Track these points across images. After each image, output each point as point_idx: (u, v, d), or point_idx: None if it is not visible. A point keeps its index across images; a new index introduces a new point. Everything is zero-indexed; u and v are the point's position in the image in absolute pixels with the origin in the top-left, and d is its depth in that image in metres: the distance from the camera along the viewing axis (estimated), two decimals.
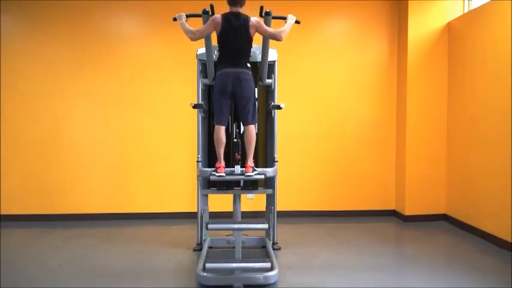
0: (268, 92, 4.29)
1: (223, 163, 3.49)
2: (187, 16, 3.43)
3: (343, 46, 5.55)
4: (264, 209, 4.49)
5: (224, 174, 3.44)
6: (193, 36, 3.36)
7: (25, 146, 5.34)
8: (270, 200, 4.25)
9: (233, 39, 3.36)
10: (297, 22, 3.54)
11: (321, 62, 5.53)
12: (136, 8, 5.38)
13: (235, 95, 3.41)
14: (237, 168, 3.48)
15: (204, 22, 3.47)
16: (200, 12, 3.42)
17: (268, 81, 4.11)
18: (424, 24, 5.25)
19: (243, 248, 3.61)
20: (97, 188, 5.41)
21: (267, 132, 4.31)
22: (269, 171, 3.73)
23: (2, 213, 5.31)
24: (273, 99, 4.15)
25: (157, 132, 5.43)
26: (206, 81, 4.05)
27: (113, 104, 5.41)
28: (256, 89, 4.21)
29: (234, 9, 3.38)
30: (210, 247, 4.15)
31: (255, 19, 3.38)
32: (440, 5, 5.25)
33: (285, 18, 3.51)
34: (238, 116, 3.62)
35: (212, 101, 3.51)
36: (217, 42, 3.46)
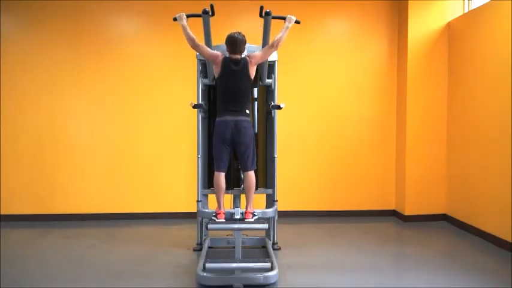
0: (268, 92, 4.29)
1: (223, 209, 3.52)
2: (188, 16, 3.43)
3: (343, 46, 5.55)
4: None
5: (224, 221, 3.47)
6: (193, 45, 3.41)
7: (25, 145, 5.34)
8: (270, 200, 4.25)
9: (233, 84, 3.42)
10: (297, 22, 3.55)
11: (321, 62, 5.53)
12: (136, 8, 5.38)
13: (234, 142, 3.46)
14: (237, 211, 3.54)
15: (204, 22, 3.48)
16: (200, 12, 3.42)
17: (268, 81, 4.12)
18: (424, 24, 5.25)
19: (243, 248, 3.61)
20: (97, 188, 5.41)
21: (267, 132, 4.31)
22: (269, 212, 3.81)
23: (2, 213, 5.31)
24: (273, 99, 4.15)
25: (157, 132, 5.43)
26: (206, 81, 4.05)
27: (112, 104, 5.41)
28: (256, 89, 4.23)
29: (234, 56, 3.43)
30: (210, 247, 4.15)
31: (251, 56, 3.45)
32: (440, 5, 5.25)
33: (284, 18, 3.51)
34: (238, 162, 3.66)
35: (212, 146, 3.57)
36: (216, 85, 3.54)
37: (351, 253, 4.13)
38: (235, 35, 3.41)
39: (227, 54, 3.46)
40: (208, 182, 4.19)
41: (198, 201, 4.03)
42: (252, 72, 3.46)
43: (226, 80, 3.42)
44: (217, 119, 3.49)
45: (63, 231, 4.95)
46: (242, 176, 3.69)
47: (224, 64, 3.41)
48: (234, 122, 3.41)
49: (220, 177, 3.49)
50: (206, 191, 4.16)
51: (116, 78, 5.40)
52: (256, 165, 3.61)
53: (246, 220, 3.46)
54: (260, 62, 3.54)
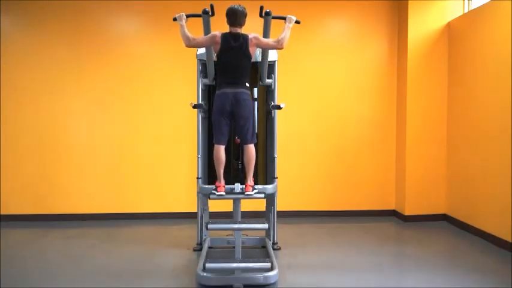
0: (268, 92, 4.29)
1: (223, 182, 3.52)
2: (187, 16, 3.43)
3: (343, 46, 5.55)
4: (264, 209, 4.49)
5: (224, 193, 3.47)
6: (189, 44, 3.39)
7: (25, 145, 5.34)
8: (270, 200, 4.25)
9: (232, 59, 3.39)
10: (297, 22, 3.54)
11: (321, 62, 5.53)
12: (136, 8, 5.38)
13: (234, 115, 3.44)
14: (237, 186, 3.53)
15: (204, 22, 3.48)
16: (200, 13, 3.42)
17: (268, 81, 4.12)
18: (424, 24, 5.25)
19: (243, 248, 3.61)
20: (97, 188, 5.41)
21: (267, 132, 4.31)
22: (269, 188, 3.79)
23: (2, 213, 5.31)
24: (273, 99, 4.15)
25: (157, 132, 5.43)
26: (206, 81, 4.06)
27: (112, 104, 5.41)
28: (256, 89, 4.22)
29: (234, 30, 3.40)
30: (210, 247, 4.15)
31: (253, 36, 3.40)
32: (440, 5, 5.25)
33: (284, 18, 3.51)
34: (238, 135, 3.64)
35: (211, 120, 3.55)
36: (216, 61, 3.51)
37: (351, 253, 4.13)
38: (236, 6, 3.38)
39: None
40: (209, 182, 4.19)
41: (198, 178, 4.01)
42: (252, 51, 3.41)
43: (226, 55, 3.38)
44: (217, 92, 3.47)
45: (63, 231, 4.95)
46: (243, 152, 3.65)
47: (224, 40, 3.37)
48: (233, 94, 3.39)
49: (220, 150, 3.47)
50: None
51: (116, 78, 5.39)
52: (257, 138, 3.58)
53: (246, 193, 3.46)
54: (260, 47, 3.49)
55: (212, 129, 3.54)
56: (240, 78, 3.43)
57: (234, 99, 3.38)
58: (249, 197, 3.47)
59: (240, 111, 3.40)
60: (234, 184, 3.89)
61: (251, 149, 3.49)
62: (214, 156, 3.50)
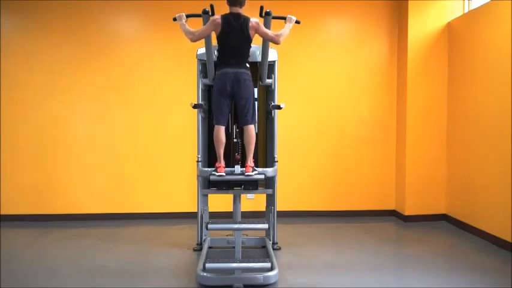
0: (268, 92, 4.29)
1: (223, 163, 3.51)
2: (187, 16, 3.44)
3: (343, 46, 5.55)
4: (264, 209, 4.49)
5: (224, 174, 3.47)
6: (193, 37, 3.39)
7: (25, 145, 5.34)
8: (270, 200, 4.25)
9: (233, 40, 3.39)
10: (297, 22, 3.55)
11: (321, 62, 5.53)
12: (136, 8, 5.38)
13: (234, 95, 3.44)
14: (237, 168, 3.52)
15: (204, 22, 3.48)
16: (200, 12, 3.42)
17: (268, 81, 4.12)
18: (424, 24, 5.25)
19: (243, 248, 3.61)
20: (97, 188, 5.41)
21: (267, 132, 4.31)
22: (269, 171, 3.76)
23: (2, 213, 5.31)
24: (273, 99, 4.16)
25: (157, 132, 5.43)
26: (206, 81, 4.06)
27: (112, 103, 5.41)
28: (256, 89, 4.22)
29: (234, 10, 3.40)
30: (210, 247, 4.15)
31: (254, 20, 3.39)
32: (440, 5, 5.25)
33: (284, 18, 3.52)
34: (238, 116, 3.64)
35: (212, 101, 3.53)
36: (217, 43, 3.49)
37: (351, 253, 4.13)
38: None
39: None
40: (209, 182, 4.19)
41: (197, 161, 4.01)
42: (251, 34, 3.41)
43: (227, 35, 3.38)
44: (217, 72, 3.48)
45: (63, 231, 4.94)
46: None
47: (224, 20, 3.36)
48: (234, 73, 3.39)
49: (220, 130, 3.48)
50: (206, 190, 4.15)
51: (116, 78, 5.39)
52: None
53: (246, 174, 3.46)
54: (259, 33, 3.45)
55: (212, 111, 3.53)
56: (240, 58, 3.44)
57: (235, 79, 3.38)
58: (249, 177, 3.47)
59: (241, 91, 3.40)
60: (233, 188, 3.90)
61: (251, 129, 3.50)
62: (214, 137, 3.50)
